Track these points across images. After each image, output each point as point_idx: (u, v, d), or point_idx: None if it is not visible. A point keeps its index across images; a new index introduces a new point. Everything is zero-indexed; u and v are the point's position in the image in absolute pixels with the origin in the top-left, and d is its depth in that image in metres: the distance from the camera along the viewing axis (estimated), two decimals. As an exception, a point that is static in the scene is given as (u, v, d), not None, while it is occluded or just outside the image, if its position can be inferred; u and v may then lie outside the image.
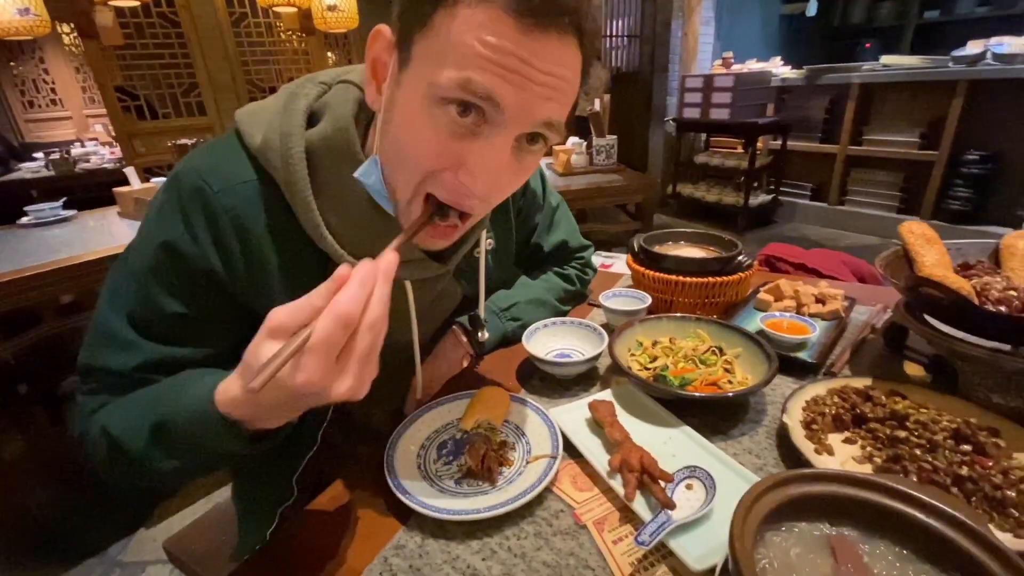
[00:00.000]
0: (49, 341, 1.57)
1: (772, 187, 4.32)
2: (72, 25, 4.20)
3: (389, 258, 0.39)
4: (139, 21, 2.95)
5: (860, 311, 0.86)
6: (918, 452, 0.51)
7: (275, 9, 2.93)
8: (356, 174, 0.51)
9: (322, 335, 0.35)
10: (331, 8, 2.95)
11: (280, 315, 0.37)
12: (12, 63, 4.67)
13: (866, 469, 0.52)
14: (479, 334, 0.77)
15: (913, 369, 0.70)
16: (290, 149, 0.52)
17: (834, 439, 0.56)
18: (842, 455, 0.54)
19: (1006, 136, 3.15)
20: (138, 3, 2.44)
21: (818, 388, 0.63)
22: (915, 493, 0.39)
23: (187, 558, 0.86)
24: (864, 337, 0.78)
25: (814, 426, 0.57)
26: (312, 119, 0.55)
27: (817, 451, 0.54)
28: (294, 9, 2.91)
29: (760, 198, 4.18)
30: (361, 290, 0.36)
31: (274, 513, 0.62)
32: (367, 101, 0.52)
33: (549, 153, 2.84)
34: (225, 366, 0.61)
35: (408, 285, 0.62)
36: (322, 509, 0.55)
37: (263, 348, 0.37)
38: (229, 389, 0.42)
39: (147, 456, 0.48)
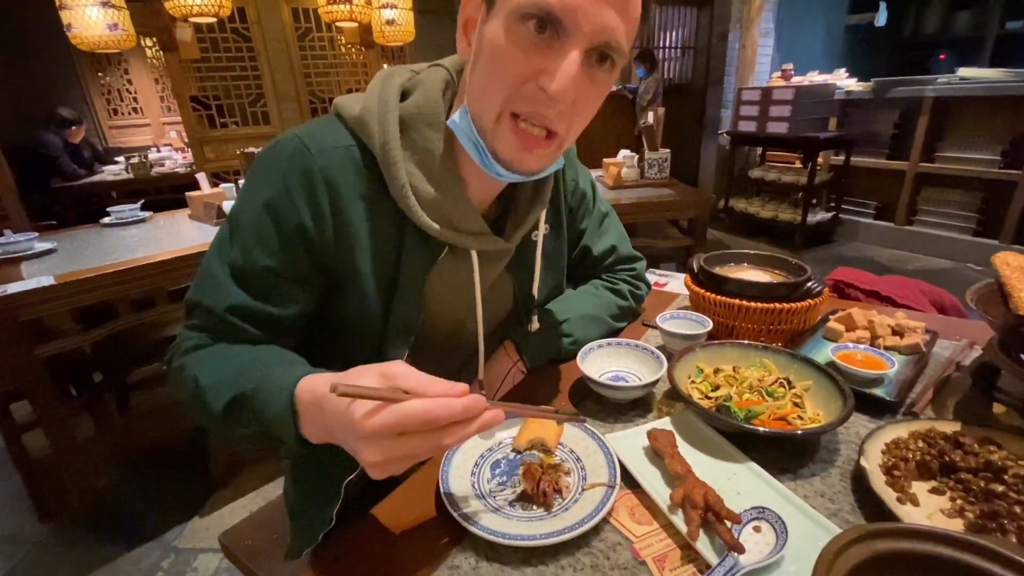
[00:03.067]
0: (123, 334, 1.67)
1: (833, 204, 4.12)
2: (155, 39, 4.54)
3: (494, 413, 0.43)
4: (215, 36, 3.16)
5: (943, 346, 0.80)
6: (1018, 510, 0.47)
7: (338, 24, 3.05)
8: (448, 121, 0.59)
9: (405, 412, 0.39)
10: (390, 23, 3.05)
11: (399, 368, 0.42)
12: (100, 73, 5.08)
13: (956, 524, 0.48)
14: (529, 324, 0.80)
15: (1003, 413, 0.64)
16: (387, 114, 0.60)
17: (919, 488, 0.52)
18: (929, 507, 0.50)
19: (1103, 155, 2.88)
20: (214, 19, 2.60)
21: (899, 430, 0.58)
22: (1021, 559, 0.36)
23: (240, 553, 0.88)
24: (948, 375, 0.72)
25: (896, 472, 0.53)
26: (404, 96, 0.63)
27: (900, 500, 0.50)
28: (355, 24, 3.03)
29: (819, 216, 4.00)
30: (460, 412, 0.40)
31: (324, 515, 0.64)
32: (458, 55, 0.60)
33: (599, 165, 2.82)
34: (300, 329, 0.66)
35: (475, 255, 0.67)
36: (376, 519, 0.55)
37: (368, 376, 0.42)
38: (316, 383, 0.47)
39: (221, 416, 0.54)
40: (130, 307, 1.71)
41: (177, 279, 1.61)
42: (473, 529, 0.49)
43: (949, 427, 0.58)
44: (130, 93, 5.30)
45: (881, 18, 4.84)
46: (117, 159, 4.47)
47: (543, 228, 0.76)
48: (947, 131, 3.56)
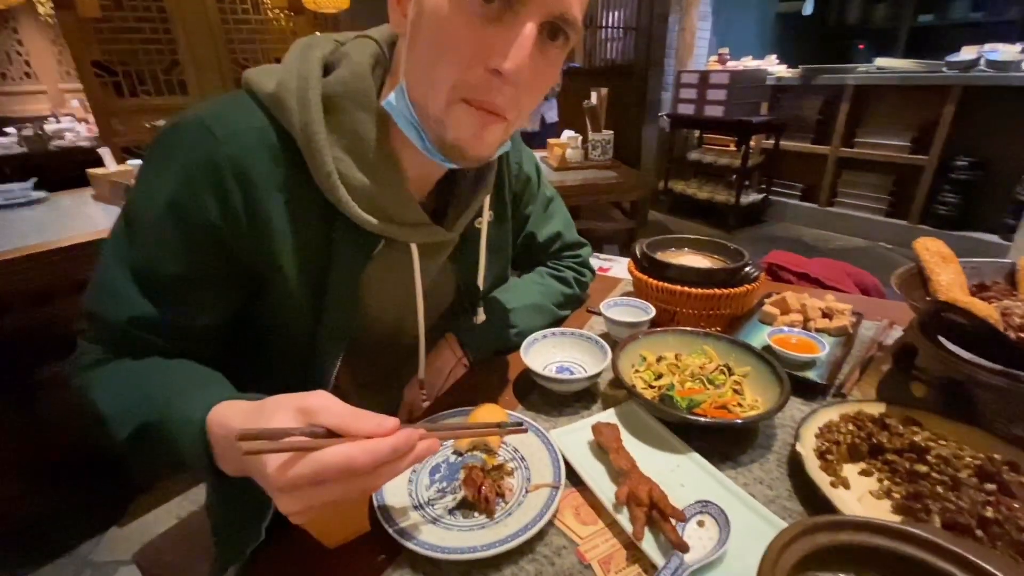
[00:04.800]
0: (19, 332, 1.49)
1: (763, 186, 4.32)
2: (47, -6, 4.02)
3: (429, 443, 0.40)
4: (118, -8, 2.82)
5: (867, 327, 0.84)
6: (940, 490, 0.49)
7: (262, -14, 2.82)
8: (383, 102, 0.52)
9: (324, 462, 0.34)
10: (321, -13, 2.85)
11: (319, 400, 0.37)
12: (-18, 32, 4.45)
13: (884, 505, 0.50)
14: (475, 316, 0.76)
15: (920, 391, 0.68)
16: (307, 91, 0.52)
17: (850, 470, 0.54)
18: (859, 489, 0.52)
19: (995, 143, 3.17)
20: (117, -26, 2.32)
21: (831, 413, 0.60)
22: (944, 544, 0.37)
23: (159, 572, 0.81)
24: (871, 355, 0.75)
25: (829, 456, 0.54)
26: (327, 71, 0.55)
27: (833, 484, 0.51)
28: (282, -13, 2.80)
29: (751, 197, 4.18)
30: (388, 455, 0.36)
31: (252, 530, 0.58)
32: (391, 25, 0.53)
33: (544, 147, 2.79)
34: (218, 337, 0.59)
35: (414, 249, 0.62)
36: (307, 534, 0.50)
37: (282, 412, 0.37)
38: (229, 416, 0.41)
39: (126, 447, 0.48)
40: (27, 301, 1.53)
41: (84, 267, 1.44)
42: (410, 545, 0.45)
43: (876, 409, 0.60)
44: (20, 56, 4.68)
45: (808, 7, 5.06)
46: (8, 130, 3.96)
47: (487, 215, 0.71)
48: (865, 118, 3.79)
